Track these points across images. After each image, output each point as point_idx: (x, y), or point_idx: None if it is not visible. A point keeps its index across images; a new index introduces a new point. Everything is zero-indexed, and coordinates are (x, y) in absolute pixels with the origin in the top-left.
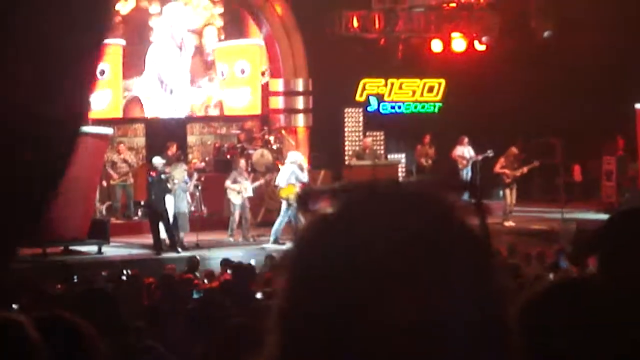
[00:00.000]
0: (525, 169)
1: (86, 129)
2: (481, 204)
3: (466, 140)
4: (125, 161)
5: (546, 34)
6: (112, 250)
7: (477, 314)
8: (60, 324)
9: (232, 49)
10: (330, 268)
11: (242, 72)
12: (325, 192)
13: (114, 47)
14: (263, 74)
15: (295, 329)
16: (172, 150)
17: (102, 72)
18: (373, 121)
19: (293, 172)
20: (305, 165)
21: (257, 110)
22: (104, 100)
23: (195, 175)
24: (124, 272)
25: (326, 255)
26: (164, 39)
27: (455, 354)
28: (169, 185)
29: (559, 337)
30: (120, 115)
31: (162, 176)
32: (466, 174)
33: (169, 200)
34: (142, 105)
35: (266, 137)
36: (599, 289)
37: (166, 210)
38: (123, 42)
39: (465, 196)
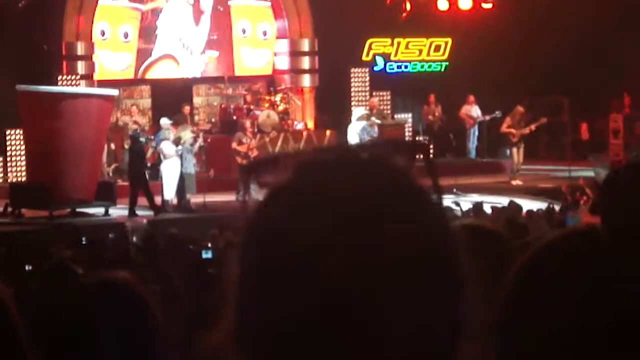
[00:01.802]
0: (532, 127)
1: (92, 90)
2: (432, 163)
3: (473, 99)
4: (136, 123)
5: None
6: (119, 212)
7: (432, 275)
8: (119, 287)
9: (251, 8)
10: (286, 241)
11: (264, 34)
12: (274, 162)
13: (134, 10)
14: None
15: (250, 302)
16: (186, 111)
17: (126, 35)
18: (379, 81)
19: (364, 128)
20: (373, 119)
21: (269, 71)
22: (125, 62)
23: (201, 136)
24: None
25: (279, 228)
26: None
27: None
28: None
29: (558, 291)
30: (132, 76)
31: (142, 138)
32: (473, 133)
33: (175, 161)
34: (175, 60)
35: (272, 97)
36: (597, 242)
37: (143, 175)
38: (143, 7)
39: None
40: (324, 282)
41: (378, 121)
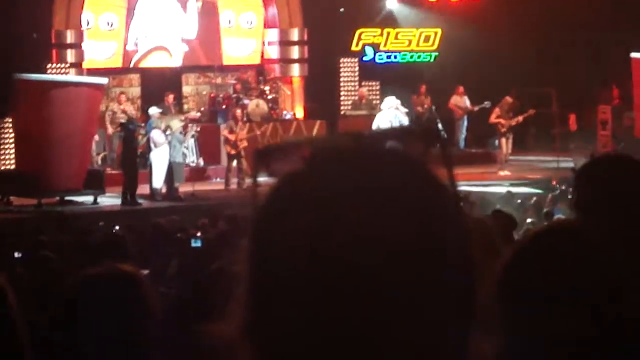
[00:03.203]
0: (520, 118)
1: (82, 78)
2: (448, 154)
3: (462, 89)
4: (124, 112)
5: None
6: (108, 200)
7: (444, 264)
8: (118, 276)
9: None
10: (300, 229)
11: (249, 22)
12: (287, 149)
13: None
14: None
15: (262, 293)
16: (169, 100)
17: (110, 23)
18: (369, 71)
19: (396, 116)
20: (403, 108)
21: (257, 60)
22: (110, 50)
23: (193, 126)
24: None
25: (296, 216)
26: None
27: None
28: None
29: (541, 285)
30: (120, 65)
31: (130, 126)
32: (462, 123)
33: (165, 150)
34: (169, 52)
35: (262, 87)
36: (574, 235)
37: (134, 163)
38: None
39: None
40: (336, 272)
41: (405, 110)
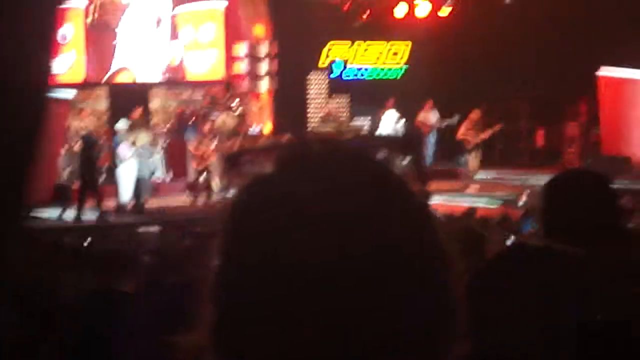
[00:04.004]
0: (487, 134)
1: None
2: (420, 162)
3: (430, 105)
4: (87, 127)
5: None
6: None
7: (415, 274)
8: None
9: (196, 12)
10: (267, 232)
11: (207, 35)
12: (257, 153)
13: (75, 10)
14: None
15: (229, 298)
16: (137, 115)
17: (64, 37)
18: (337, 86)
19: (396, 127)
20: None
21: (220, 75)
22: (66, 64)
23: (161, 140)
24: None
25: (265, 220)
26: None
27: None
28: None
29: (500, 302)
30: (82, 79)
31: (89, 140)
32: (430, 139)
33: (131, 165)
34: (131, 73)
35: (229, 102)
36: (536, 253)
37: (92, 178)
38: (86, 1)
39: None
40: (302, 276)
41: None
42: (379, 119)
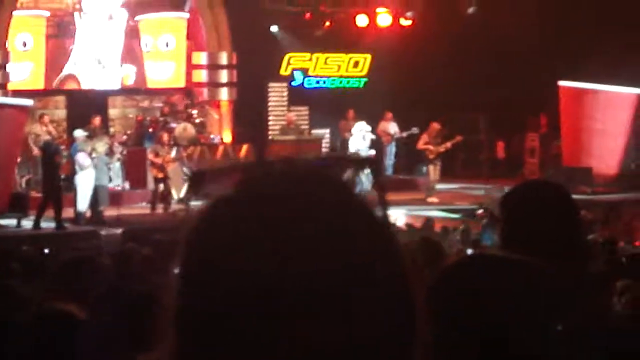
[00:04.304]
0: (448, 145)
1: (5, 100)
2: (380, 178)
3: (390, 115)
4: (49, 133)
5: (470, 10)
6: (32, 223)
7: (378, 290)
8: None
9: (157, 21)
10: (229, 252)
11: (167, 45)
12: (221, 172)
13: (35, 18)
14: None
15: (192, 324)
16: (95, 123)
17: (24, 44)
18: (298, 96)
19: (365, 138)
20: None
21: (181, 84)
22: (25, 71)
23: (119, 148)
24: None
25: (226, 242)
26: (94, 11)
27: (361, 328)
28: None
29: (457, 313)
30: (42, 86)
31: (50, 147)
32: (390, 149)
33: (90, 173)
34: (78, 81)
35: (189, 110)
36: (488, 269)
37: (54, 187)
38: (47, 13)
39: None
40: (263, 297)
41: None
42: (341, 129)
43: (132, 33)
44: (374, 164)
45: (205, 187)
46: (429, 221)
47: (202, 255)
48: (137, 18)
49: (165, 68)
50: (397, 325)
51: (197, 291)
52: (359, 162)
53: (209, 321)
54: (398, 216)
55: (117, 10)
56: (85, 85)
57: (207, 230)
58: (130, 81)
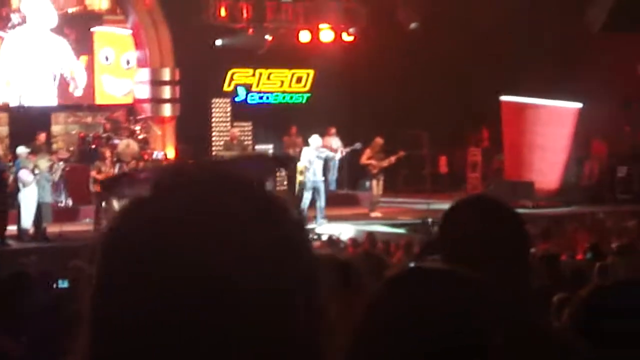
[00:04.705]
0: (392, 160)
1: None
2: (293, 179)
3: (333, 131)
4: None
5: (413, 25)
6: None
7: (286, 288)
8: None
9: (118, 36)
10: (141, 255)
11: (128, 62)
12: (134, 177)
13: None
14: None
15: (106, 324)
16: (41, 139)
17: None
18: (241, 111)
19: (320, 152)
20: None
21: (130, 100)
22: None
23: (61, 165)
24: None
25: (136, 243)
26: (32, 23)
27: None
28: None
29: (400, 326)
30: None
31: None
32: (333, 165)
33: (33, 190)
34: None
35: (132, 127)
36: (430, 281)
37: (3, 203)
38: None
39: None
40: (176, 299)
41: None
42: (285, 145)
43: (80, 46)
44: (293, 163)
45: (120, 191)
46: (372, 235)
47: (113, 258)
48: (93, 29)
49: (123, 85)
50: (301, 336)
51: (107, 294)
52: (279, 162)
53: (120, 325)
54: (342, 231)
55: (55, 22)
56: (26, 102)
57: (118, 233)
58: (74, 96)
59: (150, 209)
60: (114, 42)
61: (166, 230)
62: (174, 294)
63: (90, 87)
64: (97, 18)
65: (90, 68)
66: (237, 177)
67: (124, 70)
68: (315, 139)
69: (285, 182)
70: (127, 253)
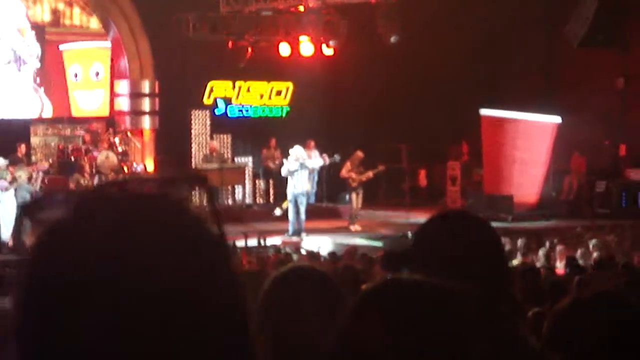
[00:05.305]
0: (371, 173)
1: None
2: (211, 195)
3: (313, 144)
4: None
5: (393, 39)
6: None
7: (209, 315)
8: None
9: (85, 51)
10: (62, 278)
11: (97, 74)
12: (55, 199)
13: None
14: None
15: (30, 346)
16: (22, 151)
17: None
18: (220, 124)
19: (302, 164)
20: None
21: (106, 112)
22: None
23: (40, 175)
24: None
25: (58, 265)
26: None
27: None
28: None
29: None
30: None
31: None
32: (312, 177)
33: (12, 202)
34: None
35: (111, 139)
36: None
37: None
38: None
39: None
40: (94, 322)
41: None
42: (264, 157)
43: (56, 60)
44: (202, 181)
45: (41, 213)
46: (351, 249)
47: (36, 280)
48: (62, 48)
49: (95, 97)
50: (223, 353)
51: (27, 316)
52: (193, 180)
53: (45, 345)
54: (322, 244)
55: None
56: (3, 114)
57: (39, 256)
58: (52, 109)
59: (70, 231)
60: (80, 57)
61: (87, 250)
62: (91, 316)
63: (66, 101)
64: (40, 30)
65: (64, 83)
66: (158, 197)
67: (94, 83)
68: (297, 149)
69: (205, 201)
70: (48, 277)
